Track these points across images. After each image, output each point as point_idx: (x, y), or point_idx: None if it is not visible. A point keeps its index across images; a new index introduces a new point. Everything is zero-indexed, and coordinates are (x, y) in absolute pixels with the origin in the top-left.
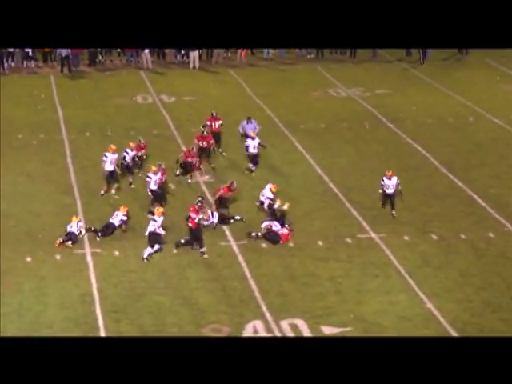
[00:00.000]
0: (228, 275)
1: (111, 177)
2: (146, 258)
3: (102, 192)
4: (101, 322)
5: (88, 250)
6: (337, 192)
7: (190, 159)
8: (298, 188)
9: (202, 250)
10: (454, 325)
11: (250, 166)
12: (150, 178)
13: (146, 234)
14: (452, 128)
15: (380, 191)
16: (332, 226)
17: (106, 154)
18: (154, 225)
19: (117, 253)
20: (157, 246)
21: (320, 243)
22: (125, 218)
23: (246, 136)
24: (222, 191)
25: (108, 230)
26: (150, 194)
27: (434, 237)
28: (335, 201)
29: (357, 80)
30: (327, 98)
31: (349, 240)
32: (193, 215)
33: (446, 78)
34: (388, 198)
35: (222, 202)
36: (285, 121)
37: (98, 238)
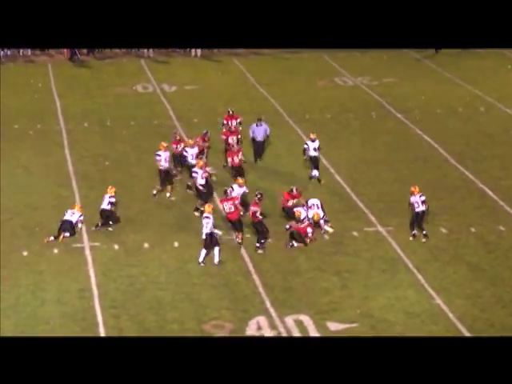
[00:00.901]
0: (231, 270)
1: (166, 176)
2: (219, 261)
3: (155, 192)
4: (100, 318)
5: (87, 244)
6: (343, 184)
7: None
8: (303, 180)
9: (260, 242)
10: (463, 321)
11: (313, 173)
12: (196, 172)
13: (203, 236)
14: (462, 118)
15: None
16: (338, 220)
17: (159, 152)
18: (209, 223)
19: (116, 246)
20: (218, 247)
21: (326, 237)
22: (113, 200)
23: (253, 140)
24: (282, 198)
25: (102, 218)
26: (195, 190)
27: (443, 230)
28: (341, 193)
29: (364, 68)
30: (333, 87)
31: (355, 233)
32: (254, 208)
33: (455, 67)
34: (417, 217)
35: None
36: (289, 111)
37: (93, 228)
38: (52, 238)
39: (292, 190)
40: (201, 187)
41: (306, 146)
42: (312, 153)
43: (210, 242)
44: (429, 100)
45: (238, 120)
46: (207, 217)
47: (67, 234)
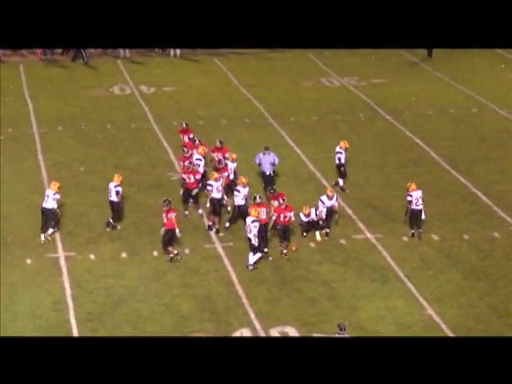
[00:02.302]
0: (213, 280)
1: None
2: (252, 265)
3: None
4: (75, 332)
5: (61, 254)
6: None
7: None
8: (287, 185)
9: (265, 249)
10: (457, 332)
11: (341, 182)
12: (211, 185)
13: (254, 241)
14: (454, 120)
15: (406, 210)
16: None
17: (200, 156)
18: (257, 226)
19: (92, 256)
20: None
21: (312, 245)
22: (119, 189)
23: (263, 173)
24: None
25: (114, 211)
26: (210, 205)
27: (435, 237)
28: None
29: (351, 68)
30: (319, 87)
31: (343, 241)
32: (289, 214)
33: (447, 66)
34: (414, 216)
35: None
36: (274, 113)
37: (108, 229)
38: (45, 234)
39: (255, 198)
40: (215, 202)
41: (339, 156)
42: (343, 161)
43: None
44: (419, 101)
45: (191, 135)
46: (255, 220)
47: (50, 231)
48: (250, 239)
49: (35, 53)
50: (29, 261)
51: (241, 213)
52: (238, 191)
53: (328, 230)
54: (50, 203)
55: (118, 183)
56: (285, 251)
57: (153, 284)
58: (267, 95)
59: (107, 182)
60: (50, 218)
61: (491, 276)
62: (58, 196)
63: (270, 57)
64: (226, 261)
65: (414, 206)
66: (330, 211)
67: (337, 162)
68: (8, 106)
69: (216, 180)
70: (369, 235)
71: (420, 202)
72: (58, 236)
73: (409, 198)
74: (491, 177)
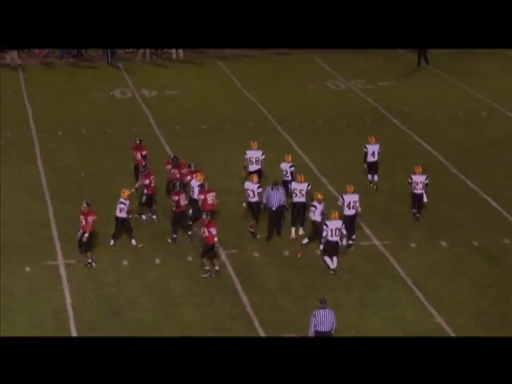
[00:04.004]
0: (216, 288)
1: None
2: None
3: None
4: None
5: (61, 261)
6: (336, 195)
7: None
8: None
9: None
10: None
11: (373, 178)
12: (247, 189)
13: (342, 242)
14: (463, 124)
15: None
16: None
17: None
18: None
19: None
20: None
21: (318, 252)
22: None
23: (269, 209)
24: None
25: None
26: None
27: (444, 244)
28: (334, 205)
29: (357, 71)
30: (325, 91)
31: (350, 248)
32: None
33: (456, 69)
34: (416, 200)
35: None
36: (278, 117)
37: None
38: (112, 241)
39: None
40: (253, 205)
41: (366, 150)
42: (370, 158)
43: (336, 247)
44: (427, 104)
45: (144, 153)
46: (326, 224)
47: (133, 243)
48: (337, 243)
49: (34, 56)
50: (28, 268)
51: (316, 229)
52: (315, 207)
53: (350, 241)
54: (117, 211)
55: (202, 181)
56: (217, 268)
57: (155, 292)
58: (272, 99)
59: (108, 188)
60: (120, 227)
61: (501, 283)
62: (121, 205)
63: (275, 59)
64: (229, 268)
65: (413, 190)
66: (351, 219)
67: (376, 158)
68: (6, 111)
69: (253, 183)
70: (376, 242)
71: (420, 186)
72: (57, 243)
73: (409, 181)
74: (501, 182)
